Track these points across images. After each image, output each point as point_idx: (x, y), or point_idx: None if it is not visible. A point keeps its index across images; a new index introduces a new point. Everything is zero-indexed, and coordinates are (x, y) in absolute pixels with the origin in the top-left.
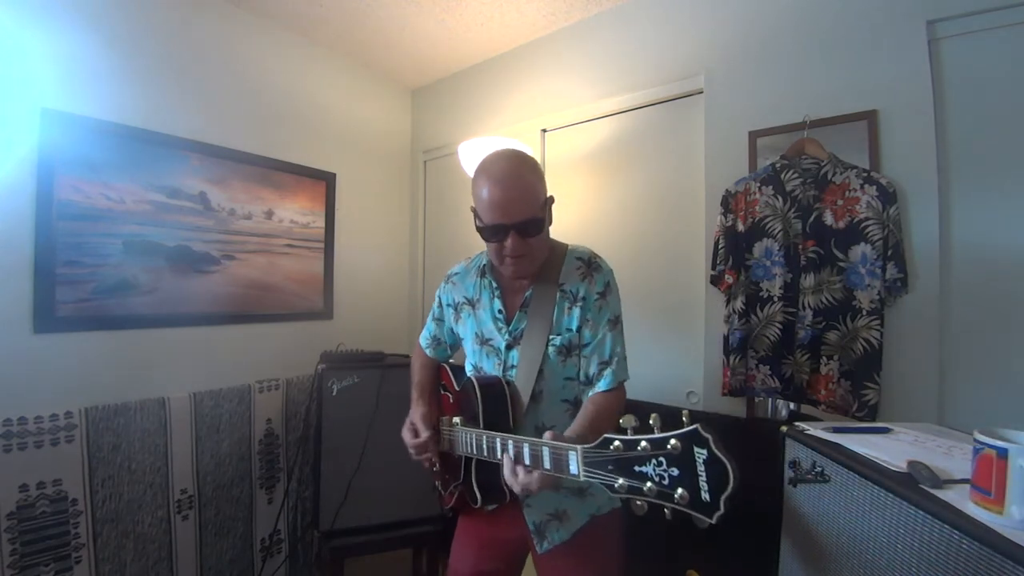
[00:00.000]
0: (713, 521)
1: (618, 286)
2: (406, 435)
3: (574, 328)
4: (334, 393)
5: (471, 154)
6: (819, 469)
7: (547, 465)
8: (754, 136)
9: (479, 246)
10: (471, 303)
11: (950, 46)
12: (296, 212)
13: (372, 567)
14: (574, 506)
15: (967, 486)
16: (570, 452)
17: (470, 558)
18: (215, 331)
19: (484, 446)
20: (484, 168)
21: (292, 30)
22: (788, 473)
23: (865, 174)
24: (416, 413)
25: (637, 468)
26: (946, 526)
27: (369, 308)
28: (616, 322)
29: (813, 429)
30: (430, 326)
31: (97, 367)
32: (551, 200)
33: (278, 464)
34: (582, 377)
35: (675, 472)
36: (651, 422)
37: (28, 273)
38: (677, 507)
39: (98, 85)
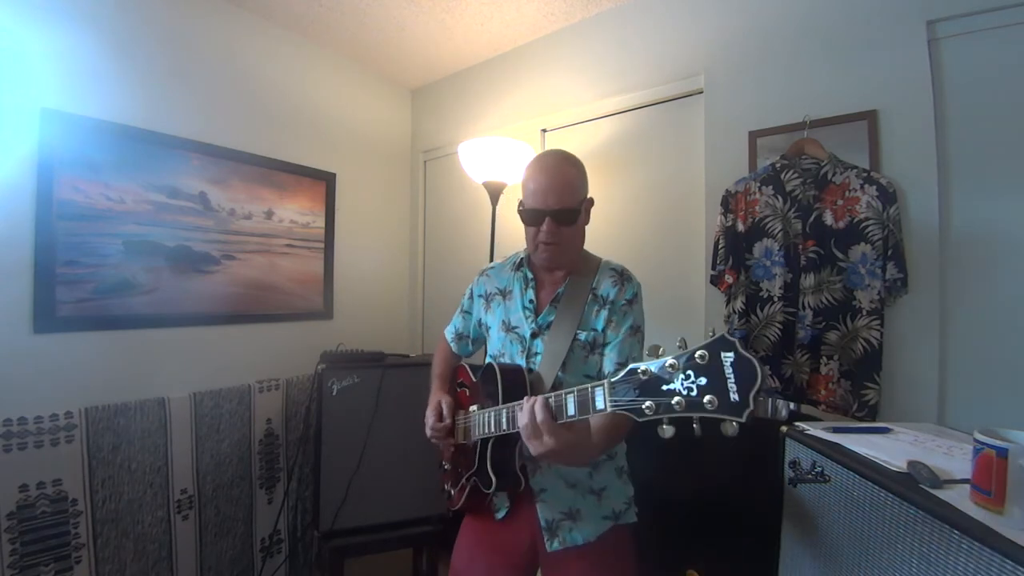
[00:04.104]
0: (743, 419)
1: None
2: (430, 416)
3: (600, 328)
4: (334, 393)
5: (471, 154)
6: (819, 469)
7: (571, 411)
8: (754, 136)
9: (478, 247)
10: (503, 293)
11: (950, 46)
12: (296, 212)
13: (372, 567)
14: (590, 506)
15: (967, 486)
16: (596, 389)
17: (481, 568)
18: (215, 331)
19: (504, 419)
20: (533, 160)
21: (292, 30)
22: (788, 473)
23: (865, 174)
24: (442, 398)
25: (665, 387)
26: (946, 526)
27: (369, 308)
28: (637, 331)
29: (813, 429)
30: (456, 320)
31: (97, 367)
32: (590, 201)
33: (278, 464)
34: (599, 376)
35: (703, 381)
36: (677, 344)
37: (28, 273)
38: (706, 415)
39: (98, 85)
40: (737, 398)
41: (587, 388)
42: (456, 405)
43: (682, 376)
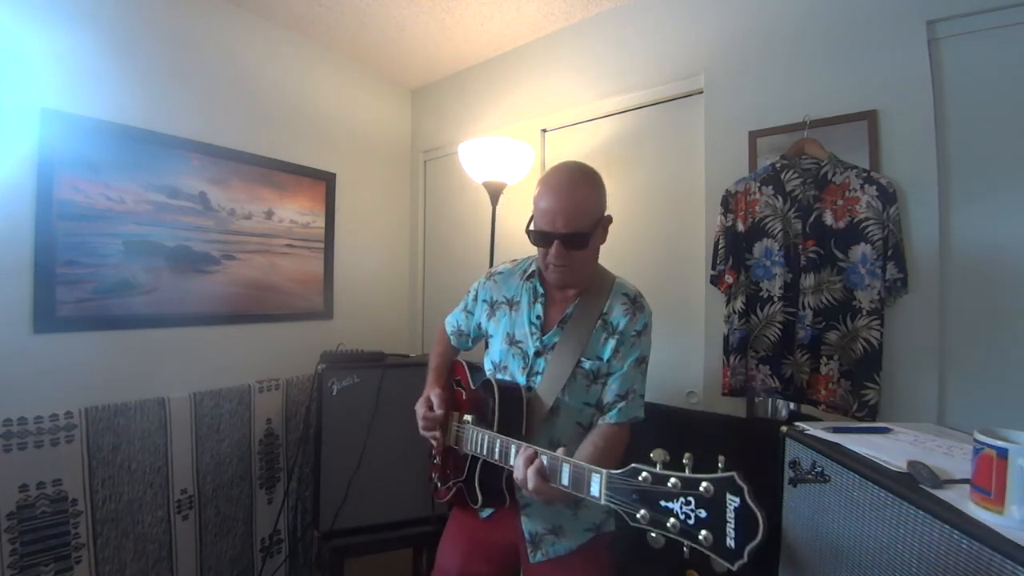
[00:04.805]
0: (734, 568)
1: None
2: (420, 408)
3: (605, 358)
4: (334, 393)
5: (471, 154)
6: (819, 469)
7: (564, 481)
8: (754, 136)
9: (478, 247)
10: (509, 303)
11: (950, 46)
12: (296, 212)
13: (372, 567)
14: (568, 521)
15: (967, 486)
16: (594, 474)
17: (458, 557)
18: (215, 331)
19: (497, 449)
20: (545, 176)
21: (292, 30)
22: (788, 473)
23: (865, 174)
24: (433, 390)
25: (663, 503)
26: (946, 526)
27: (369, 308)
28: (642, 362)
29: (813, 429)
30: (459, 316)
31: (97, 367)
32: (608, 219)
33: (278, 464)
34: (599, 404)
35: (702, 514)
36: (684, 460)
37: (28, 273)
38: (698, 547)
39: (98, 85)
40: (733, 546)
41: (584, 468)
42: (451, 403)
43: (682, 500)
